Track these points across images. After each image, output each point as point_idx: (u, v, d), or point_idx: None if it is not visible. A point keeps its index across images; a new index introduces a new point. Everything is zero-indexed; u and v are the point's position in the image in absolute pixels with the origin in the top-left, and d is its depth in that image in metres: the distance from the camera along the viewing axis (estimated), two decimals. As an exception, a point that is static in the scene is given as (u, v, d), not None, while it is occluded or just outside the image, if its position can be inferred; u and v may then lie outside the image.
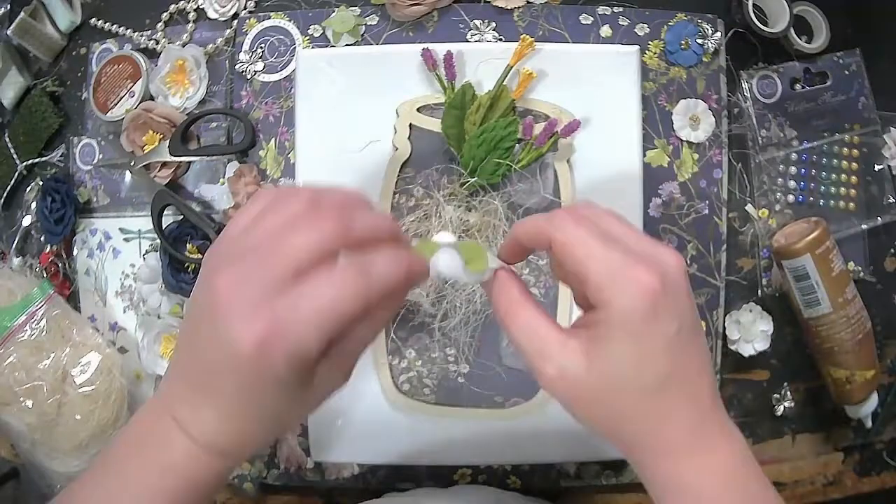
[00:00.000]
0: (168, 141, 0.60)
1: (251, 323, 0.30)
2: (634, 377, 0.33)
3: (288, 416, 0.36)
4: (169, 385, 0.36)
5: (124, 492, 0.35)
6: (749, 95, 0.59)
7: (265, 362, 0.30)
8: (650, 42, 0.59)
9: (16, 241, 0.68)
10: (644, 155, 0.58)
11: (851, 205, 0.61)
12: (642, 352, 0.32)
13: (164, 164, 0.62)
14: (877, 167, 0.61)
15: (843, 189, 0.61)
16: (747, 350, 0.59)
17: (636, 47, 0.57)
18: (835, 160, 0.61)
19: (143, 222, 0.63)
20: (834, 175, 0.61)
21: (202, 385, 0.33)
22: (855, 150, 0.61)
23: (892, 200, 0.61)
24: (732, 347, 0.59)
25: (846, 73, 0.61)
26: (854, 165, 0.61)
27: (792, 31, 0.59)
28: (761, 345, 0.59)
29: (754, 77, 0.59)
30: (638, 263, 0.32)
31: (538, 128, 0.56)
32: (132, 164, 0.62)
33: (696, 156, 0.59)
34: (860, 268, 0.61)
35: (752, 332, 0.59)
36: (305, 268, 0.31)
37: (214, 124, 0.62)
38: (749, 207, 0.60)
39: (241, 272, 0.31)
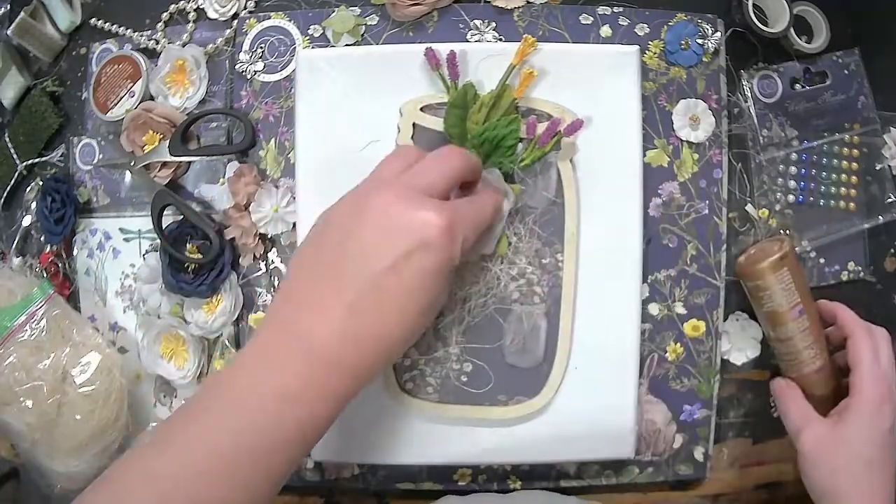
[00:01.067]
0: (168, 141, 0.60)
1: (440, 211, 0.39)
2: (859, 447, 0.50)
3: (436, 311, 0.45)
4: (288, 308, 0.41)
5: (242, 406, 0.38)
6: (749, 95, 0.59)
7: (449, 244, 0.38)
8: (650, 42, 0.59)
9: (16, 241, 0.68)
10: (644, 155, 0.58)
11: (852, 204, 0.61)
12: (870, 431, 0.50)
13: (164, 164, 0.62)
14: (877, 166, 0.61)
15: (843, 189, 0.61)
16: (739, 358, 0.60)
17: (636, 47, 0.58)
18: (835, 160, 0.61)
19: (143, 222, 0.63)
20: (834, 175, 0.61)
21: (348, 288, 0.39)
22: (855, 150, 0.61)
23: (892, 199, 0.61)
24: (725, 357, 0.60)
25: (846, 72, 0.61)
26: (854, 165, 0.61)
27: (792, 30, 0.59)
28: (753, 352, 0.60)
29: (755, 77, 0.60)
30: (887, 381, 0.52)
31: (541, 127, 0.56)
32: (132, 164, 0.62)
33: (696, 156, 0.59)
34: (860, 268, 0.61)
35: (742, 340, 0.60)
36: (453, 186, 0.44)
37: (214, 124, 0.62)
38: (749, 207, 0.60)
39: (402, 185, 0.41)
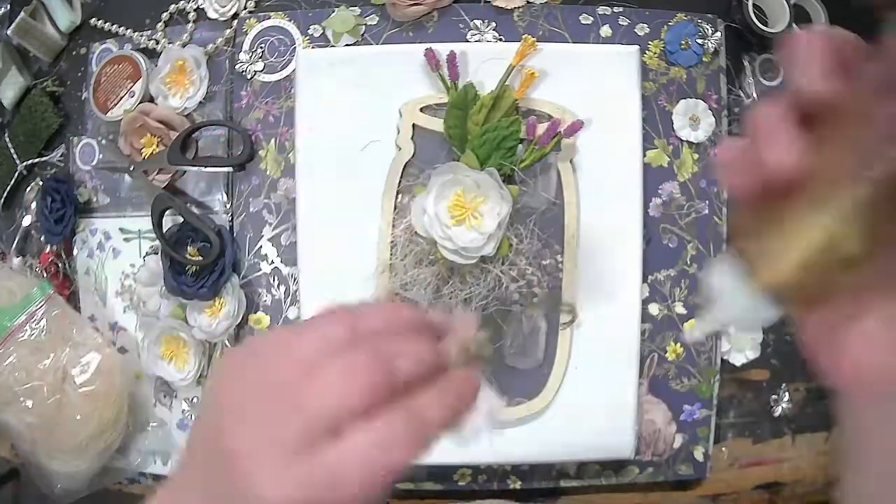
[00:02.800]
0: (167, 150, 0.60)
1: (284, 491, 0.26)
2: None
3: None
4: (177, 482, 0.32)
5: None
6: (752, 82, 0.59)
7: None
8: (650, 42, 0.59)
9: (16, 241, 0.68)
10: (644, 155, 0.58)
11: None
12: None
13: (163, 168, 0.61)
14: None
15: None
16: (739, 359, 0.60)
17: (636, 47, 0.57)
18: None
19: (143, 222, 0.63)
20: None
21: None
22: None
23: None
24: (725, 357, 0.60)
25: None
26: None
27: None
28: (753, 352, 0.60)
29: (756, 60, 0.59)
30: None
31: (541, 128, 0.56)
32: (131, 167, 0.62)
33: (696, 156, 0.59)
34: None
35: (742, 340, 0.60)
36: (341, 424, 0.26)
37: (215, 130, 0.62)
38: (749, 207, 0.60)
39: (264, 422, 0.27)
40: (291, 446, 0.26)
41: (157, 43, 0.63)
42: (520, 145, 0.56)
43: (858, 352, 0.25)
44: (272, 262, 0.61)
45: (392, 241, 0.58)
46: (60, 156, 0.67)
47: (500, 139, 0.55)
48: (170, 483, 0.32)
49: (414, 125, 0.57)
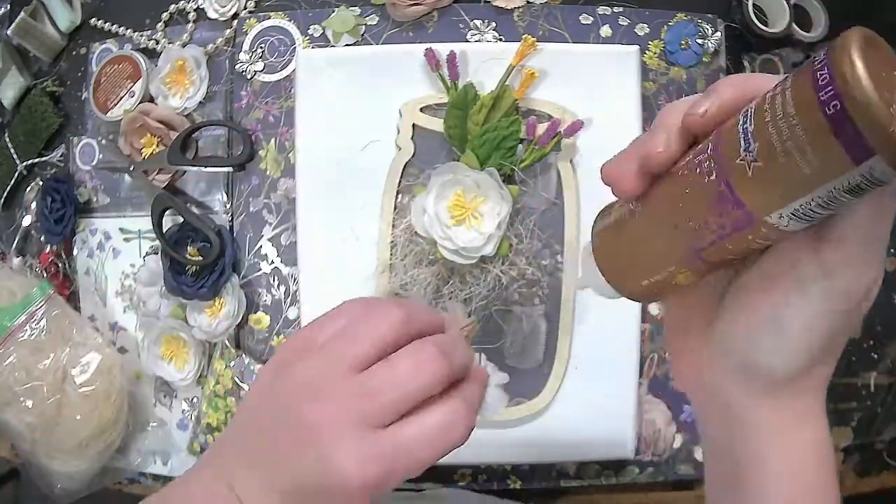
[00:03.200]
0: (167, 150, 0.60)
1: (363, 464, 0.29)
2: None
3: None
4: (230, 457, 0.34)
5: None
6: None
7: (371, 496, 0.30)
8: (650, 42, 0.59)
9: (16, 241, 0.68)
10: (644, 155, 0.58)
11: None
12: None
13: (163, 168, 0.61)
14: None
15: None
16: None
17: (636, 47, 0.57)
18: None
19: (143, 222, 0.63)
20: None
21: (275, 478, 0.32)
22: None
23: None
24: None
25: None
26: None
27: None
28: None
29: (756, 60, 0.59)
30: None
31: (541, 128, 0.56)
32: (131, 167, 0.62)
33: (696, 156, 0.59)
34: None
35: None
36: (408, 407, 0.31)
37: (214, 130, 0.62)
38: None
39: (341, 402, 0.30)
40: (368, 425, 0.30)
41: (157, 43, 0.63)
42: (520, 145, 0.56)
43: (678, 369, 0.34)
44: (272, 262, 0.61)
45: (392, 241, 0.58)
46: (60, 156, 0.67)
47: (500, 139, 0.55)
48: (215, 461, 0.34)
49: (414, 125, 0.57)
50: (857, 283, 0.26)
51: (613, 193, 0.31)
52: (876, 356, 0.62)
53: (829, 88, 0.21)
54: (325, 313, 0.35)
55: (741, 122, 0.24)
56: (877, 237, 0.26)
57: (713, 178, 0.25)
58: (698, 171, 0.26)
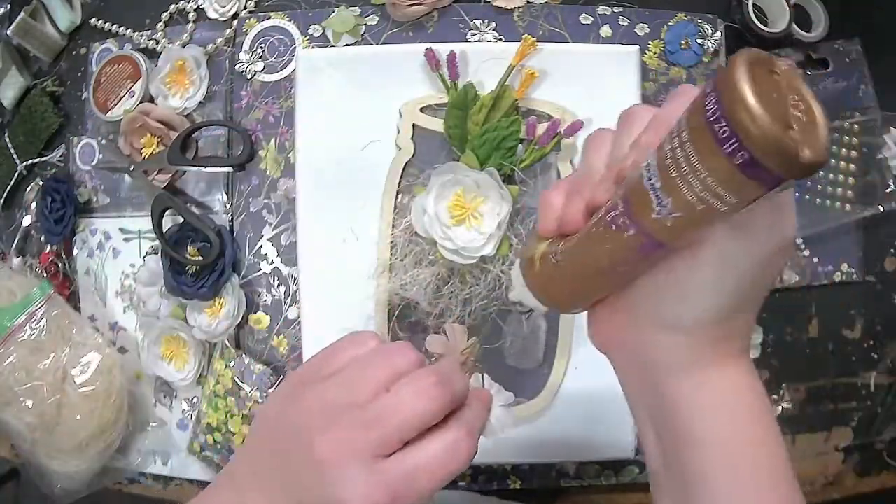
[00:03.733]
0: (167, 149, 0.60)
1: (369, 495, 0.31)
2: None
3: None
4: (244, 476, 0.35)
5: None
6: None
7: None
8: (650, 42, 0.59)
9: (16, 241, 0.68)
10: (644, 155, 0.58)
11: (850, 192, 0.60)
12: None
13: (163, 168, 0.61)
14: (877, 155, 0.60)
15: (841, 177, 0.60)
16: None
17: (636, 47, 0.57)
18: (834, 147, 0.60)
19: (143, 222, 0.63)
20: (833, 161, 0.60)
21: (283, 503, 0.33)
22: (855, 138, 0.60)
23: (892, 189, 0.60)
24: None
25: (846, 60, 0.60)
26: (854, 153, 0.60)
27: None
28: (753, 353, 0.60)
29: None
30: None
31: (541, 128, 0.56)
32: (131, 167, 0.62)
33: (696, 156, 0.59)
34: (853, 269, 0.60)
35: None
36: (411, 435, 0.32)
37: (214, 130, 0.62)
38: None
39: (347, 432, 0.32)
40: (373, 454, 0.31)
41: (157, 43, 0.63)
42: (520, 145, 0.56)
43: (594, 330, 0.36)
44: (272, 262, 0.61)
45: (392, 241, 0.58)
46: (60, 156, 0.67)
47: (500, 139, 0.55)
48: (229, 481, 0.36)
49: (414, 125, 0.57)
50: (776, 234, 0.28)
51: (547, 227, 0.32)
52: (876, 356, 0.62)
53: (732, 140, 0.21)
54: (338, 341, 0.37)
55: (647, 179, 0.25)
56: (784, 202, 0.27)
57: (631, 233, 0.26)
58: (615, 227, 0.27)
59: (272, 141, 0.60)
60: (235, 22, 0.62)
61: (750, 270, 0.28)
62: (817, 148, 0.21)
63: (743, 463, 0.31)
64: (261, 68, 0.60)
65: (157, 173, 0.62)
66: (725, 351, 0.31)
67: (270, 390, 0.59)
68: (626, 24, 0.59)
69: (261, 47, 0.60)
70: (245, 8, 0.62)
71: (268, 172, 0.60)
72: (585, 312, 0.36)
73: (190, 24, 0.63)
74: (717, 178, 0.22)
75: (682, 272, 0.28)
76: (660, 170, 0.24)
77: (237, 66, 0.61)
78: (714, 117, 0.21)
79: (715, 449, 0.31)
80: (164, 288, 0.61)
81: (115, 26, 0.65)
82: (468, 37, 0.59)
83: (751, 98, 0.20)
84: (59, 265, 0.66)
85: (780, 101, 0.21)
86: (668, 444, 0.33)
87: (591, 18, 0.59)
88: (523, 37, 0.56)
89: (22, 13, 0.65)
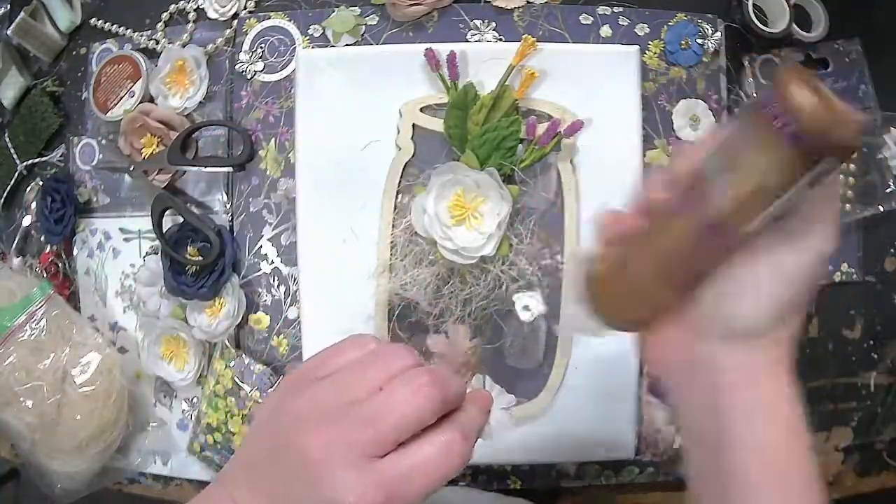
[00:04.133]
0: (167, 149, 0.60)
1: (363, 496, 0.30)
2: None
3: None
4: (240, 477, 0.35)
5: None
6: (752, 81, 0.59)
7: None
8: (650, 42, 0.59)
9: (16, 241, 0.68)
10: (644, 155, 0.58)
11: (850, 192, 0.60)
12: None
13: (163, 168, 0.61)
14: (877, 155, 0.60)
15: (840, 177, 0.60)
16: None
17: (636, 47, 0.58)
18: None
19: (144, 222, 0.63)
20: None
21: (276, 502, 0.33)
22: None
23: (892, 189, 0.60)
24: None
25: (846, 60, 0.61)
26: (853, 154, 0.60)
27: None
28: None
29: (756, 61, 0.59)
30: None
31: (541, 128, 0.56)
32: (131, 167, 0.62)
33: (696, 156, 0.59)
34: (853, 269, 0.61)
35: None
36: (406, 436, 0.32)
37: (214, 130, 0.62)
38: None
39: (341, 432, 0.31)
40: (367, 455, 0.31)
41: (157, 43, 0.63)
42: (520, 145, 0.56)
43: (653, 352, 0.37)
44: (272, 262, 0.61)
45: (392, 241, 0.58)
46: (60, 156, 0.67)
47: (500, 139, 0.55)
48: (223, 479, 0.36)
49: (414, 125, 0.57)
50: (821, 246, 0.32)
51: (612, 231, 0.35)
52: (876, 356, 0.62)
53: (784, 119, 0.26)
54: (338, 342, 0.36)
55: (711, 176, 0.30)
56: (831, 207, 0.32)
57: (696, 220, 0.31)
58: (680, 215, 0.31)
59: (272, 141, 0.60)
60: (235, 22, 0.62)
61: (799, 278, 0.32)
62: (850, 131, 0.27)
63: (785, 468, 0.33)
64: (261, 68, 0.60)
65: (157, 173, 0.62)
66: (775, 358, 0.34)
67: (270, 390, 0.59)
68: (626, 24, 0.59)
69: (261, 47, 0.60)
70: (245, 8, 0.62)
71: (268, 172, 0.60)
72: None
73: (190, 24, 0.63)
74: (769, 157, 0.27)
75: (742, 281, 0.32)
76: (719, 157, 0.29)
77: (237, 66, 0.61)
78: (768, 104, 0.27)
79: (755, 452, 0.33)
80: (164, 288, 0.61)
81: (115, 26, 0.65)
82: (468, 37, 0.59)
83: (799, 86, 0.26)
84: (59, 265, 0.66)
85: (821, 95, 0.26)
86: (710, 447, 0.35)
87: (591, 18, 0.59)
88: (523, 37, 0.56)
89: (22, 13, 0.65)
